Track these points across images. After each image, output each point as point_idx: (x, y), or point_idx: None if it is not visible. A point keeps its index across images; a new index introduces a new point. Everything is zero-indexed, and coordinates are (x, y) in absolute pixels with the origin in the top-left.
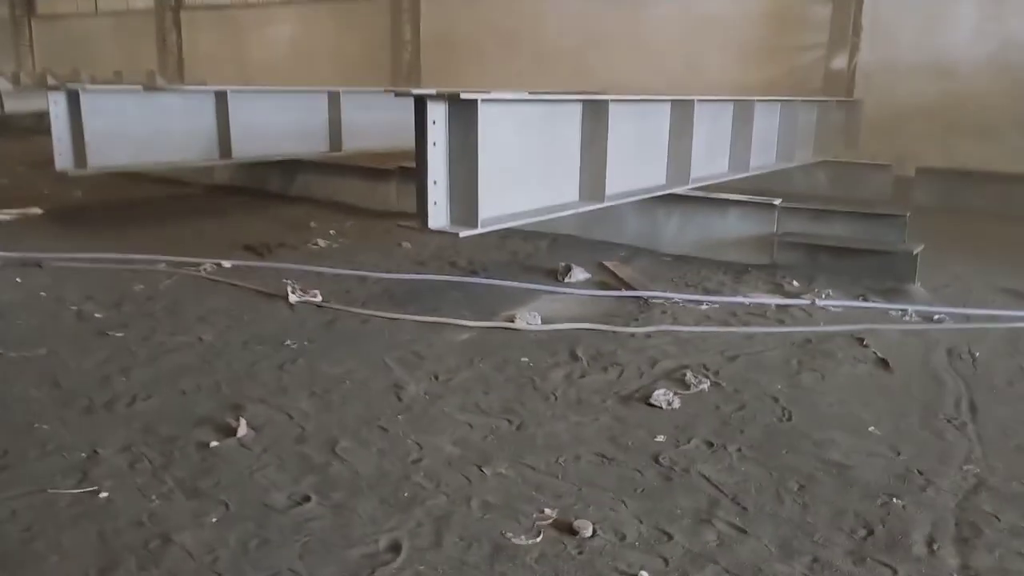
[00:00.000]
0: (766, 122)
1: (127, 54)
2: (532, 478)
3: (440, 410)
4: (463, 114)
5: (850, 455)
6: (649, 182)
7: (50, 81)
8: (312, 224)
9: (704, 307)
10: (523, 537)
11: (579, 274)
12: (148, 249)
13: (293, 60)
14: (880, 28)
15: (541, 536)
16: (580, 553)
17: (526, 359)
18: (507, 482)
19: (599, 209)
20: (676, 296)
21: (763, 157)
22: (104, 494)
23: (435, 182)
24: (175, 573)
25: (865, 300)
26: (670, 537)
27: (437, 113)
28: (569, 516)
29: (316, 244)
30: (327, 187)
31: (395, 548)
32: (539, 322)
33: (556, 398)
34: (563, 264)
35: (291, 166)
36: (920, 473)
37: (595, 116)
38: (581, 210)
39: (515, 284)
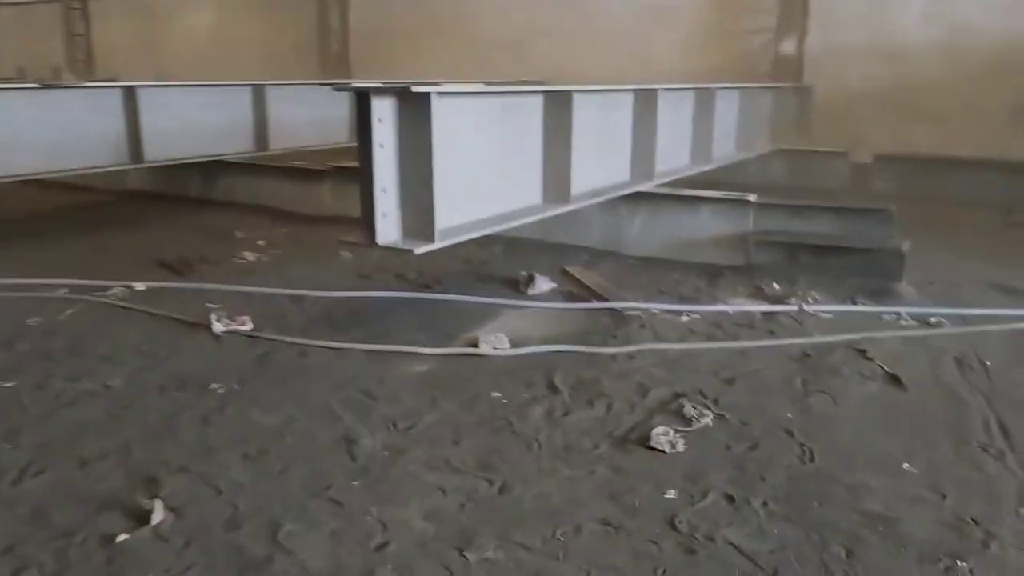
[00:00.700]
0: (726, 111)
1: (31, 49)
2: (528, 562)
3: (403, 470)
4: (414, 110)
5: (891, 504)
6: (612, 179)
7: None
8: (238, 234)
9: (685, 318)
10: None
11: (543, 284)
12: (47, 271)
13: (214, 53)
14: (827, 11)
15: None
16: None
17: (498, 394)
18: (498, 571)
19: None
20: (653, 306)
21: (724, 147)
22: None
23: (384, 190)
24: None
25: (854, 303)
26: None
27: (384, 110)
28: None
29: (243, 258)
30: (254, 190)
31: None
32: (507, 345)
33: (540, 445)
34: (524, 273)
35: (213, 168)
36: (975, 523)
37: (558, 108)
38: (547, 214)
39: (474, 299)
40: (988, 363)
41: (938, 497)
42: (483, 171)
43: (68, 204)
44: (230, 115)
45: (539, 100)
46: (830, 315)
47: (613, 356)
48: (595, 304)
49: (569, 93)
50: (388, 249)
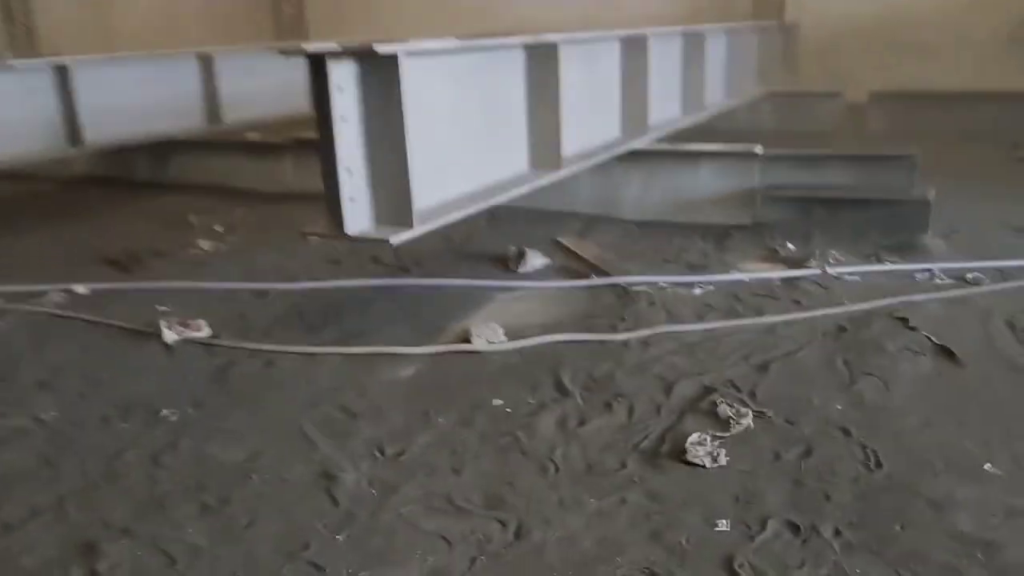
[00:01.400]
0: (715, 54)
1: None
2: None
3: (396, 514)
4: (380, 75)
5: (985, 521)
6: (603, 137)
7: None
8: (192, 219)
9: (698, 291)
10: None
11: (535, 259)
12: None
13: (164, 23)
14: None
15: None
16: None
17: (499, 401)
18: None
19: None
20: (660, 279)
21: (715, 94)
22: None
23: (349, 171)
24: None
25: (880, 262)
26: None
27: (344, 77)
28: None
29: (198, 248)
30: (208, 170)
31: None
32: (503, 338)
33: (556, 467)
34: (513, 248)
35: (162, 148)
36: None
37: (542, 62)
38: (538, 183)
39: (460, 282)
40: None
41: None
42: (461, 139)
43: (2, 195)
44: (176, 89)
45: (520, 54)
46: (856, 277)
47: (625, 343)
48: (596, 280)
49: (554, 45)
50: (360, 240)
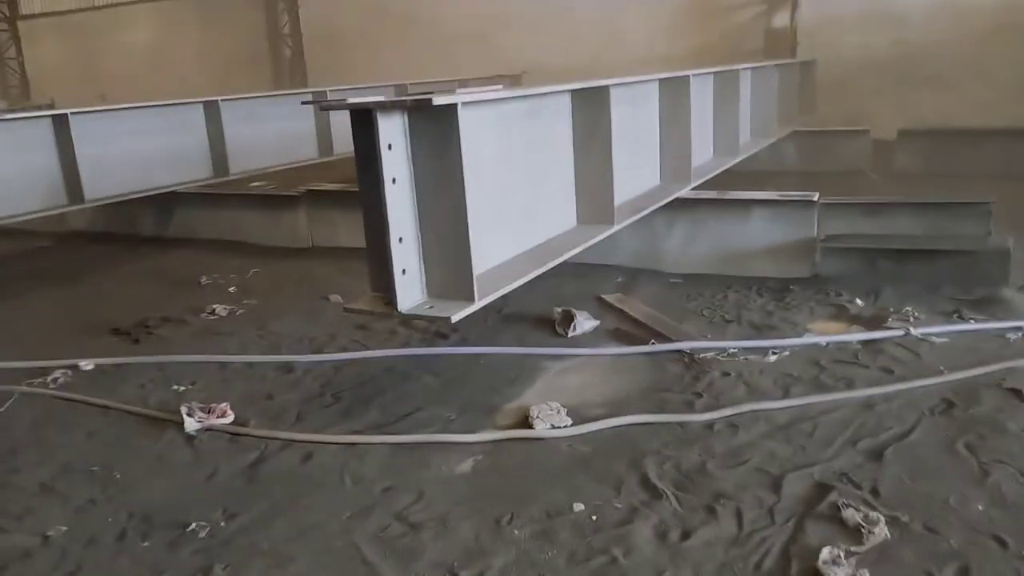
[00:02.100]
0: (743, 95)
1: None
2: None
3: None
4: (434, 128)
5: None
6: (644, 186)
7: None
8: (203, 279)
9: (772, 357)
10: None
11: (584, 322)
12: None
13: (156, 68)
14: None
15: None
16: None
17: (580, 505)
18: None
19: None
20: (729, 344)
21: (744, 136)
22: None
23: (400, 239)
24: None
25: (961, 319)
26: None
27: (393, 132)
28: None
29: (212, 312)
30: (217, 224)
31: None
32: (568, 421)
33: None
34: (559, 310)
35: (167, 200)
36: None
37: (591, 108)
38: (591, 242)
39: (506, 350)
40: None
41: None
42: (510, 195)
43: None
44: (181, 139)
45: (566, 101)
46: (944, 339)
47: (710, 425)
48: (656, 346)
49: (605, 88)
50: (414, 317)
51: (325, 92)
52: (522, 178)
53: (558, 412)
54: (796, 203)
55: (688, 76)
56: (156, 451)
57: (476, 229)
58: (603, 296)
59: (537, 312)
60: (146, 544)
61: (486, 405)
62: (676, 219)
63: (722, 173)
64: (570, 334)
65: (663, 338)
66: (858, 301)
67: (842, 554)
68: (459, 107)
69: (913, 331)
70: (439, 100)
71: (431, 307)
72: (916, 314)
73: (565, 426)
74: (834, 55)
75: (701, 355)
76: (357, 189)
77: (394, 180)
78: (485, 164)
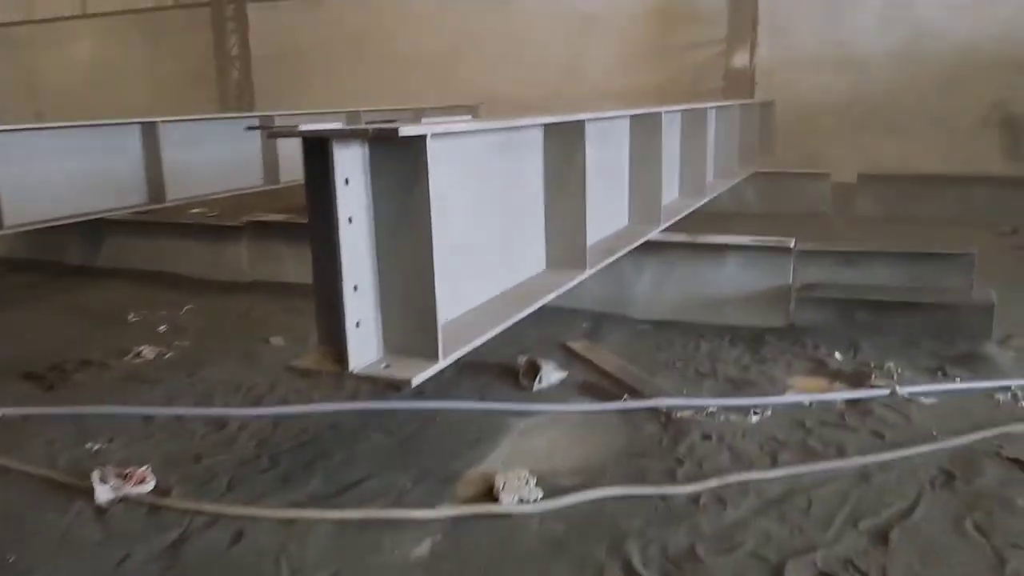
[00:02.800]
0: (709, 135)
1: None
2: None
3: None
4: (398, 161)
5: None
6: (613, 227)
7: None
8: (131, 316)
9: (754, 418)
10: None
11: (551, 374)
12: None
13: (98, 85)
14: (779, 19)
15: None
16: None
17: None
18: None
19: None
20: (708, 402)
21: (709, 176)
22: None
23: (355, 287)
24: None
25: (945, 376)
26: None
27: (351, 164)
28: None
29: (139, 355)
30: (150, 254)
31: None
32: (536, 492)
33: None
34: (523, 359)
35: (97, 227)
36: None
37: (564, 143)
38: (564, 288)
39: (465, 406)
40: None
41: None
42: (476, 236)
43: None
44: (115, 162)
45: (538, 134)
46: (932, 399)
47: (695, 499)
48: (630, 403)
49: (580, 123)
50: (368, 379)
51: (272, 117)
52: (491, 219)
53: (527, 482)
54: (771, 249)
55: (660, 112)
56: (62, 526)
57: (441, 275)
58: (569, 344)
59: (498, 360)
60: None
61: (445, 472)
62: (645, 263)
63: (691, 216)
64: (535, 387)
65: (636, 393)
66: (837, 355)
67: None
68: (428, 139)
69: (899, 390)
70: (406, 131)
71: (388, 366)
72: (899, 370)
73: (535, 500)
74: (792, 96)
75: (678, 413)
76: (304, 221)
77: (350, 220)
78: (452, 203)
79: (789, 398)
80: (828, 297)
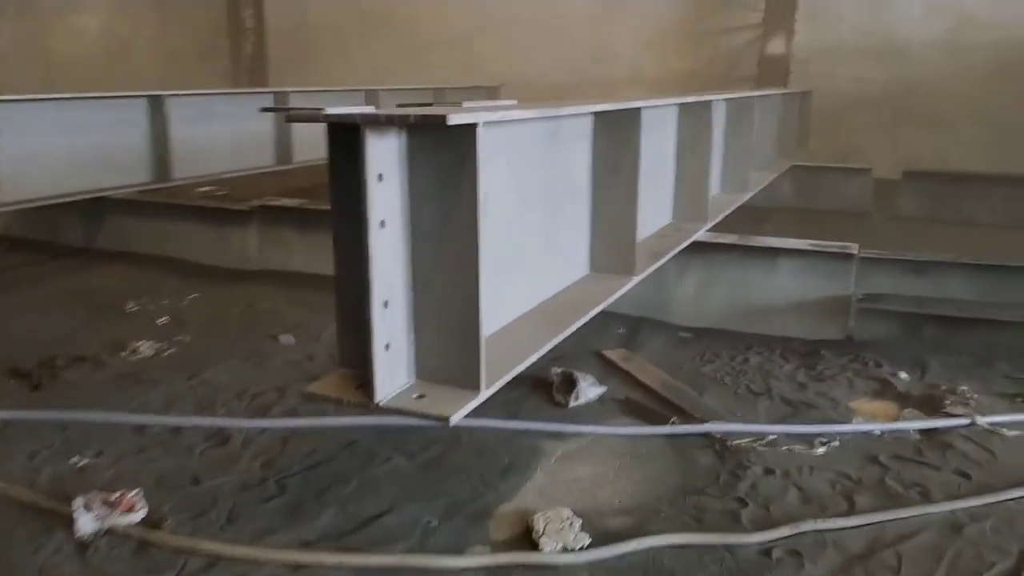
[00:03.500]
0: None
1: None
2: None
3: None
4: (442, 154)
5: None
6: (657, 225)
7: None
8: (130, 305)
9: (821, 449)
10: None
11: (588, 388)
12: None
13: (110, 57)
14: (819, 5)
15: None
16: None
17: None
18: None
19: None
20: (767, 429)
21: (752, 170)
22: None
23: (386, 303)
24: None
25: None
26: None
27: (386, 157)
28: None
29: (136, 351)
30: (153, 237)
31: None
32: (581, 534)
33: None
34: (557, 372)
35: (97, 207)
36: None
37: (616, 134)
38: (613, 296)
39: (496, 424)
40: None
41: None
42: (521, 241)
43: None
44: (120, 137)
45: (587, 123)
46: (1017, 431)
47: (766, 551)
48: (680, 427)
49: (636, 111)
50: (396, 413)
51: (287, 94)
52: (533, 218)
53: (570, 524)
54: (831, 255)
55: (711, 101)
56: (38, 564)
57: (494, 290)
58: (605, 353)
59: (529, 371)
60: None
61: (475, 506)
62: (688, 265)
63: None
64: (571, 404)
65: (684, 415)
66: (903, 375)
67: None
68: (479, 128)
69: (979, 420)
70: (456, 118)
71: (421, 396)
72: (973, 395)
73: (581, 547)
74: (828, 87)
75: (734, 441)
76: (318, 208)
77: (383, 224)
78: (494, 202)
79: (858, 427)
80: (893, 310)
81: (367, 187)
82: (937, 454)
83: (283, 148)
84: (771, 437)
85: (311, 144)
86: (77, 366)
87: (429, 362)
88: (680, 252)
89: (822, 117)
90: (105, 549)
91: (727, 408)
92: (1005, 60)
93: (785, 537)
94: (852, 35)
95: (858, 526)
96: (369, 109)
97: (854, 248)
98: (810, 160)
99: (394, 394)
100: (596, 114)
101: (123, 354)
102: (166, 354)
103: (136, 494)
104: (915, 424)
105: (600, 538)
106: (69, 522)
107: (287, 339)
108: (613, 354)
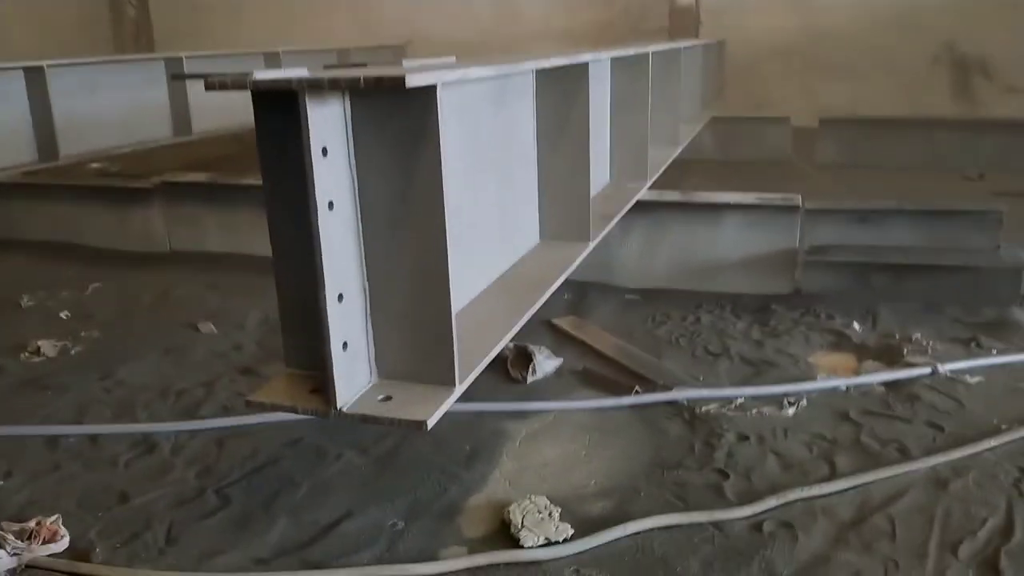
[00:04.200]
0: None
1: None
2: None
3: None
4: (396, 120)
5: None
6: (597, 186)
7: None
8: (25, 299)
9: (791, 410)
10: None
11: (544, 362)
12: None
13: None
14: None
15: None
16: None
17: None
18: None
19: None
20: (734, 392)
21: (680, 123)
22: None
23: (340, 296)
24: None
25: (980, 348)
26: None
27: (330, 127)
28: None
29: (37, 351)
30: (45, 222)
31: None
32: (562, 524)
33: None
34: (511, 346)
35: None
36: None
37: (563, 91)
38: (571, 268)
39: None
40: None
41: None
42: (476, 211)
43: None
44: None
45: (530, 81)
46: (978, 376)
47: (757, 526)
48: (647, 396)
49: (583, 66)
50: (363, 420)
51: (180, 59)
52: (488, 188)
53: (549, 514)
54: (776, 208)
55: (648, 53)
56: None
57: (457, 270)
58: (554, 321)
59: None
60: None
61: (442, 502)
62: (632, 225)
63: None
64: (529, 379)
65: (647, 382)
66: (856, 325)
67: None
68: (439, 90)
69: (941, 369)
70: (415, 79)
71: (387, 398)
72: (929, 342)
73: (564, 539)
74: (740, 38)
75: (703, 408)
76: (229, 182)
77: (331, 205)
78: (449, 173)
79: (824, 384)
80: (840, 261)
81: (311, 164)
82: (906, 407)
83: (180, 118)
84: (739, 401)
85: (211, 112)
86: None
87: (392, 358)
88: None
89: (735, 68)
90: None
91: (688, 372)
92: (908, 8)
93: (773, 508)
94: None
95: (844, 490)
96: (304, 72)
97: (799, 200)
98: (726, 111)
99: (357, 398)
100: (539, 71)
101: (23, 356)
102: (73, 353)
103: (56, 520)
104: (880, 377)
105: (582, 526)
106: None
107: (208, 328)
108: (564, 322)
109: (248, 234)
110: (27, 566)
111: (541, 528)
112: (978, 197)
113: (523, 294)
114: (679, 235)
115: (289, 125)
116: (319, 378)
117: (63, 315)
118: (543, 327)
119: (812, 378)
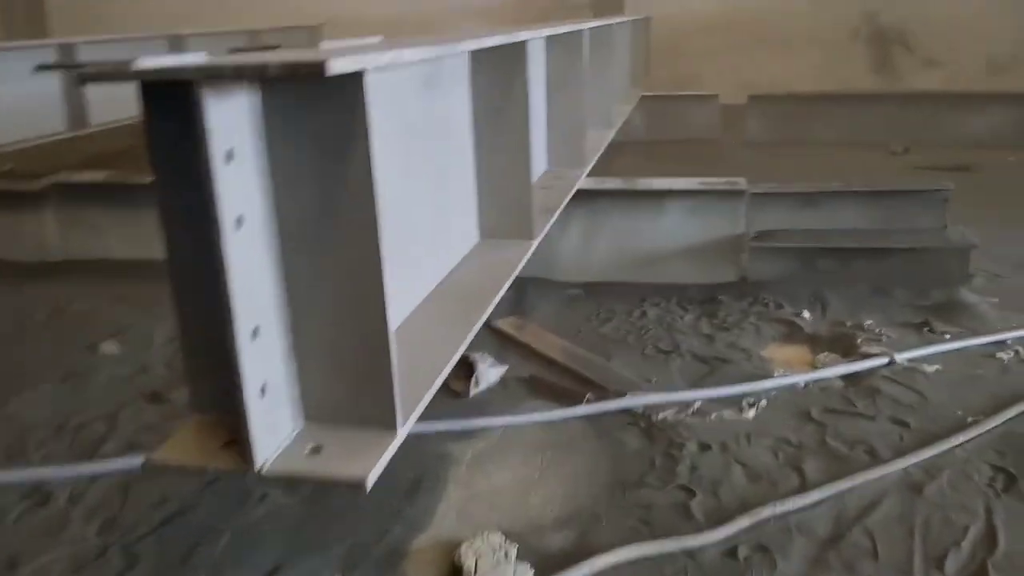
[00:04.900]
0: (612, 56)
1: None
2: None
3: None
4: (317, 115)
5: None
6: (534, 175)
7: None
8: None
9: (751, 412)
10: None
11: (488, 370)
12: None
13: None
14: None
15: None
16: None
17: None
18: None
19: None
20: (691, 395)
21: (613, 103)
22: None
23: (255, 330)
24: None
25: (932, 332)
26: None
27: (235, 127)
28: None
29: None
30: None
31: None
32: (520, 566)
33: None
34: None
35: None
36: None
37: (500, 73)
38: (516, 270)
39: None
40: None
41: None
42: (410, 213)
43: None
44: None
45: (464, 64)
46: (936, 364)
47: (731, 551)
48: (599, 405)
49: (521, 45)
50: (288, 481)
51: (74, 45)
52: (422, 186)
53: (505, 554)
54: (720, 193)
55: (583, 30)
56: None
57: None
58: (495, 324)
59: None
60: None
61: (384, 546)
62: (570, 215)
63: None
64: (472, 391)
65: (597, 388)
66: (805, 314)
67: None
68: (366, 77)
69: (898, 358)
70: (338, 64)
71: (316, 449)
72: (880, 329)
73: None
74: (663, 14)
75: (657, 415)
76: (130, 181)
77: (240, 221)
78: (383, 173)
79: (781, 381)
80: (786, 246)
81: (213, 171)
82: (867, 402)
83: (76, 110)
84: (697, 405)
85: (111, 103)
86: None
87: (321, 397)
88: None
89: (658, 46)
90: None
91: (639, 374)
92: None
93: (746, 530)
94: None
95: (816, 504)
96: (202, 58)
97: (743, 184)
98: (652, 89)
99: (279, 453)
100: (473, 52)
101: None
102: None
103: None
104: (837, 370)
105: (543, 564)
106: None
107: (110, 347)
108: (505, 324)
109: (153, 239)
110: None
111: (498, 573)
112: (910, 174)
113: (466, 305)
114: (620, 224)
115: (186, 124)
116: (231, 424)
117: None
118: (483, 330)
119: (768, 374)
